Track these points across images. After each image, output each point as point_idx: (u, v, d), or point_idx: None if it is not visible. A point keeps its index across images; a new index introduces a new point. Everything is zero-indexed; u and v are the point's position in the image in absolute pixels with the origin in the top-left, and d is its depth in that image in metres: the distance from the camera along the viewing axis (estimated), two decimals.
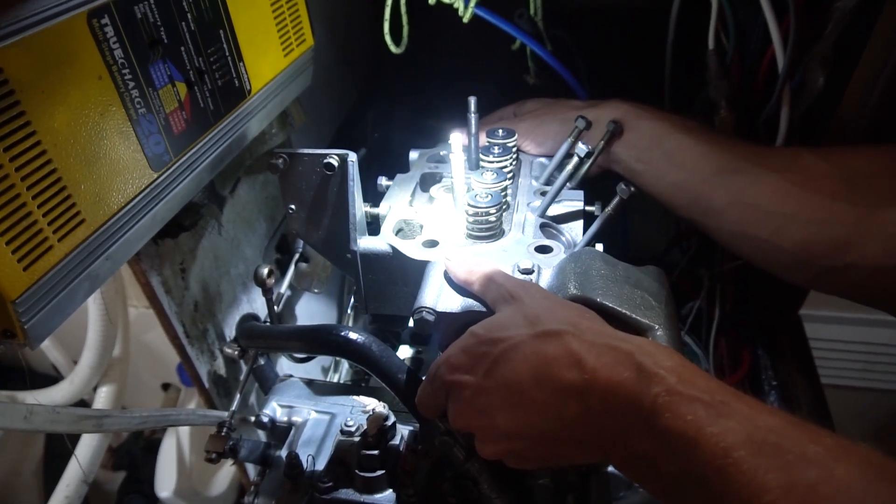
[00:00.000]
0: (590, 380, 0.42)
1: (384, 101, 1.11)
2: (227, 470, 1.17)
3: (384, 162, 1.01)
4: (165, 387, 1.19)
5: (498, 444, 0.49)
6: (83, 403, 0.94)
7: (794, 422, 0.37)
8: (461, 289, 0.57)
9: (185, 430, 1.10)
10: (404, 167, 0.80)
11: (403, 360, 0.88)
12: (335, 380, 1.02)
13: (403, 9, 0.83)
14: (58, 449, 1.17)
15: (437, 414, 0.54)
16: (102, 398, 0.90)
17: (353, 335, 0.62)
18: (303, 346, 0.69)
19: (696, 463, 0.37)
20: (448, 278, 0.58)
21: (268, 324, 0.78)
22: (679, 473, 0.38)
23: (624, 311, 0.50)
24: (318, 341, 0.65)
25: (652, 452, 0.40)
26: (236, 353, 0.76)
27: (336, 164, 0.63)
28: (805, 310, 0.96)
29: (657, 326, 0.49)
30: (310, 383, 0.75)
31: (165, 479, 1.06)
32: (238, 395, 0.74)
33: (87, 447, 0.86)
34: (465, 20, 0.82)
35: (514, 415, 0.46)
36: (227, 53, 0.55)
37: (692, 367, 0.42)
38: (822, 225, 0.59)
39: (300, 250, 0.85)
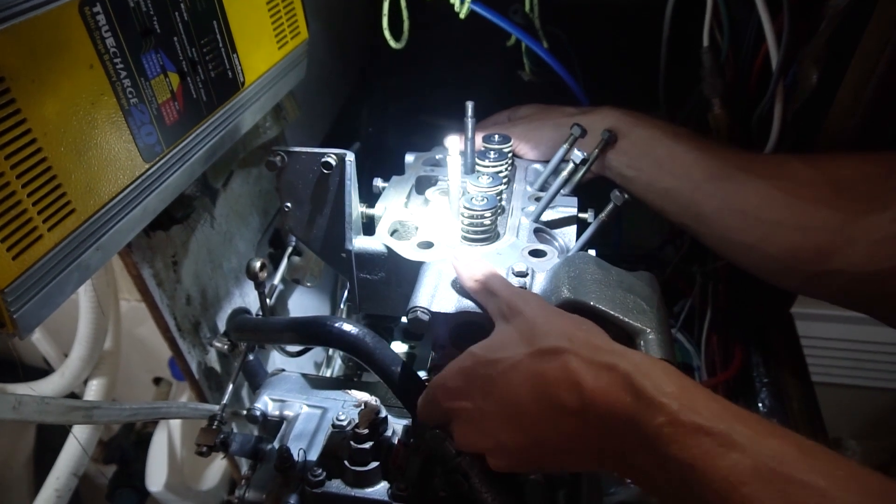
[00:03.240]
0: (588, 403, 0.42)
1: (379, 96, 1.10)
2: (219, 464, 1.17)
3: (378, 158, 1.01)
4: (157, 381, 1.19)
5: (510, 459, 0.49)
6: (74, 397, 0.94)
7: (798, 445, 0.37)
8: (462, 291, 0.57)
9: (176, 424, 1.10)
10: (399, 166, 0.80)
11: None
12: (327, 375, 1.02)
13: (403, 3, 0.82)
14: (49, 442, 1.17)
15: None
16: (93, 391, 0.90)
17: (347, 327, 0.62)
18: (296, 338, 0.69)
19: (701, 492, 0.37)
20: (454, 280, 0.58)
21: (259, 317, 0.78)
22: (680, 495, 0.38)
23: (616, 314, 0.50)
24: (311, 333, 0.65)
25: (653, 473, 0.40)
26: (226, 346, 0.76)
27: (334, 162, 0.63)
28: (796, 308, 0.97)
29: (649, 330, 0.49)
30: (302, 377, 0.75)
31: (156, 473, 1.06)
32: (229, 389, 0.74)
33: (77, 440, 0.85)
34: (462, 16, 0.82)
35: (516, 434, 0.47)
36: (221, 45, 0.55)
37: (693, 389, 0.41)
38: (808, 232, 0.59)
39: (293, 244, 0.85)
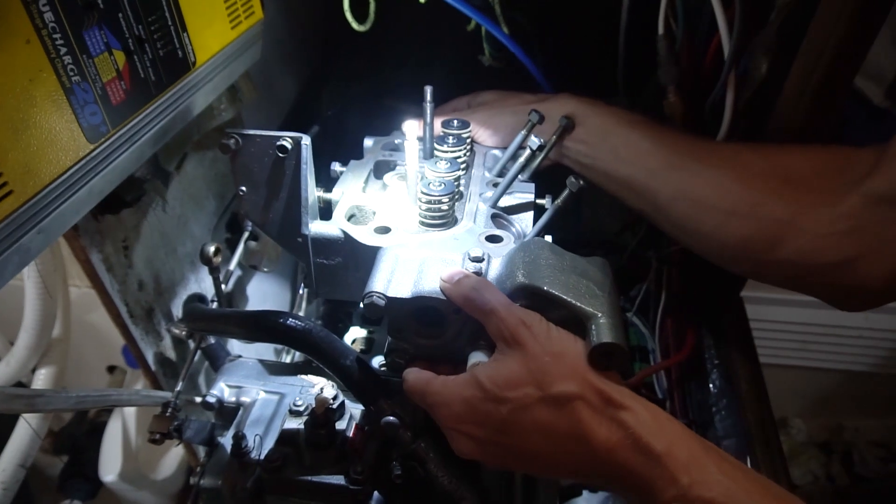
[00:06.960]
0: (599, 457, 0.46)
1: (340, 79, 1.09)
2: (176, 452, 1.16)
3: (339, 141, 1.00)
4: (111, 369, 1.16)
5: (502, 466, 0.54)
6: (21, 386, 0.91)
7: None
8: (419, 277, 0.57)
9: (130, 412, 1.08)
10: (358, 149, 0.79)
11: (355, 339, 0.88)
12: (287, 360, 1.01)
13: None
14: None
15: None
16: (41, 380, 0.87)
17: (293, 322, 0.61)
18: (244, 332, 0.67)
19: None
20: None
21: (215, 304, 0.76)
22: None
23: (569, 299, 0.51)
24: (258, 327, 0.64)
25: None
26: (183, 333, 0.75)
27: (289, 146, 0.62)
28: (746, 291, 1.00)
29: (600, 314, 0.50)
30: (259, 363, 0.74)
31: (110, 462, 1.04)
32: (183, 376, 0.72)
33: (25, 430, 0.83)
34: (422, 0, 0.81)
35: (523, 465, 0.52)
36: (170, 23, 0.53)
37: (703, 457, 0.44)
38: (759, 221, 0.61)
39: (249, 229, 0.83)
